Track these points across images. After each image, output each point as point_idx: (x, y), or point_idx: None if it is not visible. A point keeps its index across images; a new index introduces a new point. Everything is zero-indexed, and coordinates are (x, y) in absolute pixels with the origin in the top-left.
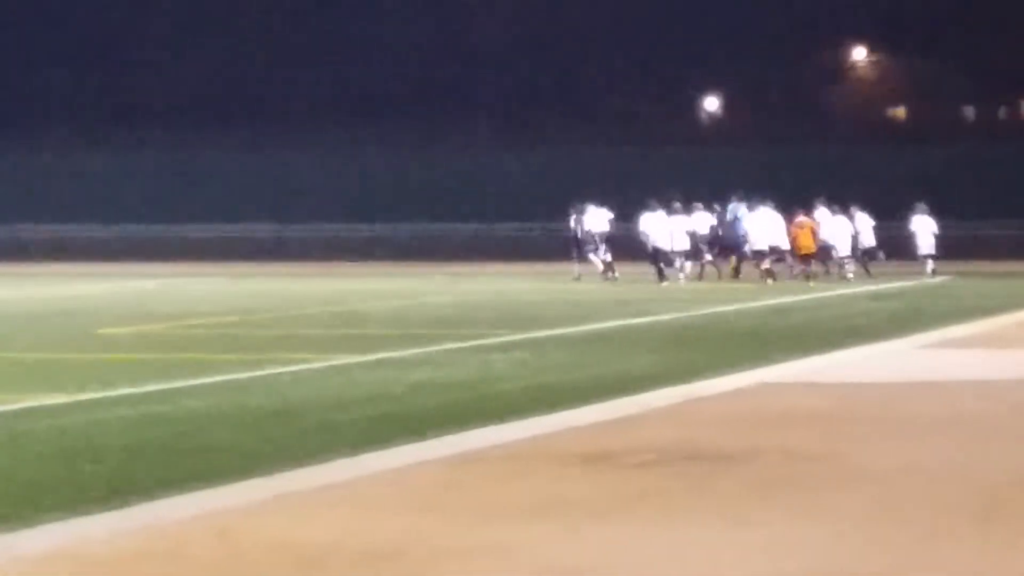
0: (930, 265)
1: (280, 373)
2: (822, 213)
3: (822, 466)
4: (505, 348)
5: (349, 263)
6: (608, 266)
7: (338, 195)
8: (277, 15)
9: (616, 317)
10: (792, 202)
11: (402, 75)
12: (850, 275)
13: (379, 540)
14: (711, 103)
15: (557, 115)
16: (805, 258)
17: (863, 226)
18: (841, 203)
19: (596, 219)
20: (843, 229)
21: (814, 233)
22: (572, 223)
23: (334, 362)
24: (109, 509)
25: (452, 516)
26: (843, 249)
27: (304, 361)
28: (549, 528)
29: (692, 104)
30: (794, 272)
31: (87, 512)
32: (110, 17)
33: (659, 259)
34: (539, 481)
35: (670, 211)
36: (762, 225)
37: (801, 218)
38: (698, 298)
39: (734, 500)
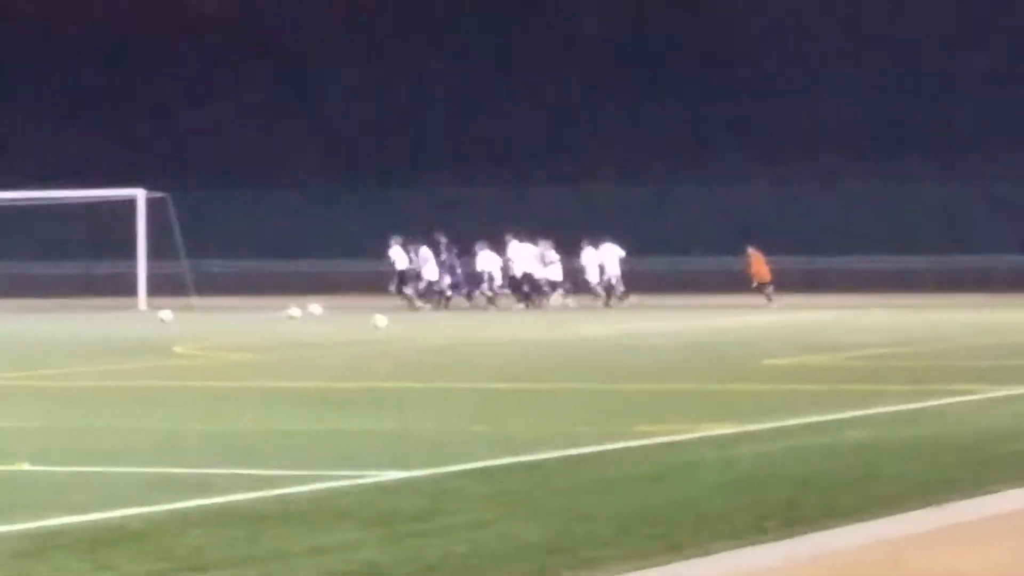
0: None
1: (944, 404)
2: None
3: None
4: None
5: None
6: None
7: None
8: None
9: None
10: None
11: None
12: None
13: None
14: None
15: None
16: None
17: None
18: None
19: None
20: None
21: None
22: None
23: (998, 393)
24: (781, 538)
25: None
26: None
27: (968, 392)
28: None
29: None
30: None
31: (760, 541)
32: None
33: None
34: None
35: None
36: None
37: None
38: None
39: None
